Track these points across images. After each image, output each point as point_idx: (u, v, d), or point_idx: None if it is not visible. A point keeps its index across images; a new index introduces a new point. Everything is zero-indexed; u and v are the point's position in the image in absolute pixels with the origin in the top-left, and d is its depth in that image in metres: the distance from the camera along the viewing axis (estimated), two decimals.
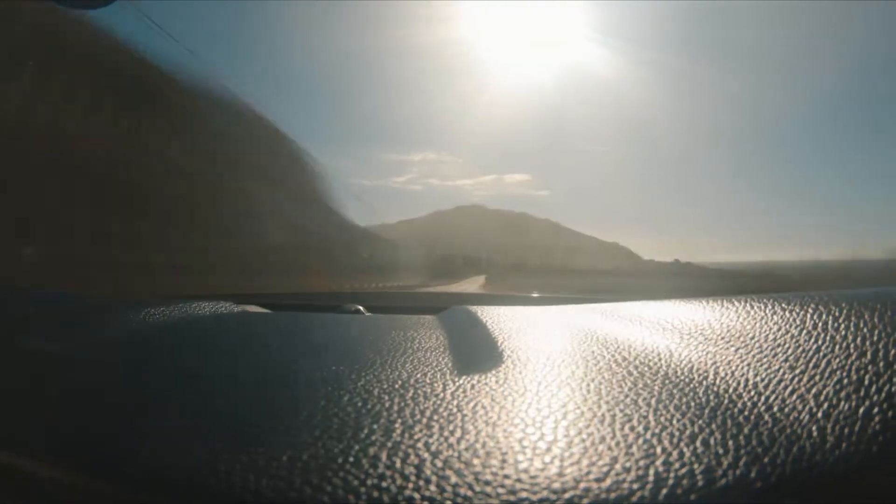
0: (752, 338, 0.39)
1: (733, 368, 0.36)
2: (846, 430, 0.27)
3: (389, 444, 0.30)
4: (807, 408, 0.30)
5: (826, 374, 0.32)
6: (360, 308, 1.12)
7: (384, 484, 0.26)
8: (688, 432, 0.29)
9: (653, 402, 0.34)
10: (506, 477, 0.26)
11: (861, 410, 0.28)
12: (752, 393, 0.33)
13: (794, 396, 0.31)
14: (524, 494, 0.25)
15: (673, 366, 0.39)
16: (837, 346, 0.34)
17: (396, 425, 0.32)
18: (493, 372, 0.42)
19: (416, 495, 0.25)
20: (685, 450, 0.28)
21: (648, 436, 0.29)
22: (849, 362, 0.32)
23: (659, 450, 0.28)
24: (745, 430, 0.29)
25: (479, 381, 0.40)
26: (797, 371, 0.33)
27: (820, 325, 0.37)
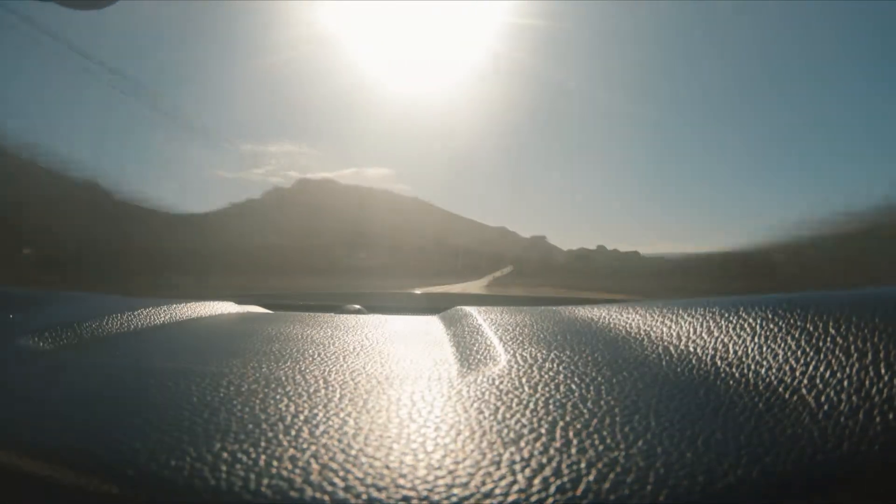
0: (753, 339, 0.39)
1: (734, 369, 0.36)
2: (847, 431, 0.27)
3: (388, 444, 0.30)
4: (807, 409, 0.30)
5: (826, 375, 0.32)
6: (362, 308, 1.12)
7: (382, 483, 0.26)
8: (689, 433, 0.29)
9: (653, 402, 0.34)
10: (502, 477, 0.26)
11: (861, 412, 0.28)
12: (753, 394, 0.33)
13: (795, 397, 0.31)
14: (522, 494, 0.25)
15: (673, 366, 0.39)
16: (838, 347, 0.34)
17: (396, 425, 0.32)
18: (494, 372, 0.42)
19: (413, 493, 0.25)
20: (686, 450, 0.28)
21: (649, 436, 0.29)
22: (849, 363, 0.32)
23: (660, 450, 0.28)
24: (746, 431, 0.29)
25: (479, 381, 0.40)
26: (798, 372, 0.33)
27: (820, 325, 0.37)
